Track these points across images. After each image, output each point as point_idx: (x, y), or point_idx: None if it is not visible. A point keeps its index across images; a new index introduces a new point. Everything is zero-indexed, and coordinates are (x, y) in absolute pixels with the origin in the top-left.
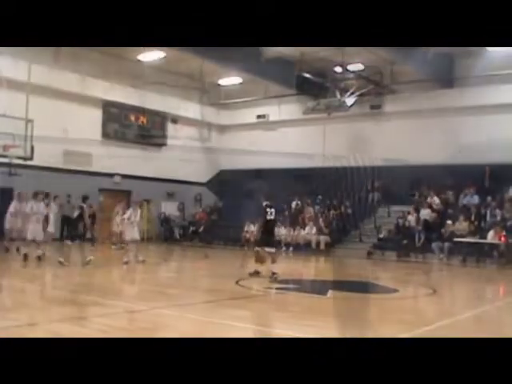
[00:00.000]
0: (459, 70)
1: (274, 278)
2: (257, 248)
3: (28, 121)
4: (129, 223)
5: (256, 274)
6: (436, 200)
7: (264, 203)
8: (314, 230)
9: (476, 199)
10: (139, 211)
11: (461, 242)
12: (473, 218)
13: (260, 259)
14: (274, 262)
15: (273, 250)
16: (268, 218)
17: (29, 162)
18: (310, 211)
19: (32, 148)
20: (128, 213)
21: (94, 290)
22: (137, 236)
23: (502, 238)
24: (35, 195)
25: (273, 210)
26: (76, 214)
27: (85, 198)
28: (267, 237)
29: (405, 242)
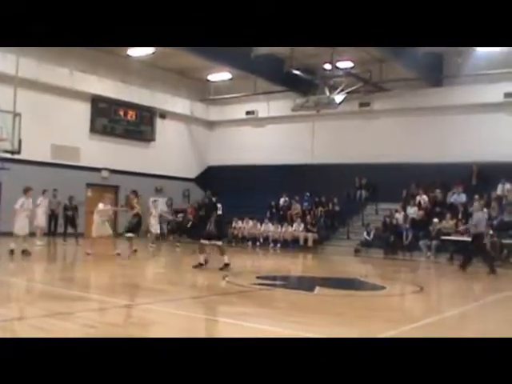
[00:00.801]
0: (448, 68)
1: (226, 269)
2: (203, 241)
3: (16, 114)
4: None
5: (200, 265)
6: (425, 198)
7: (213, 199)
8: (302, 226)
9: (463, 197)
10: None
11: (448, 240)
12: (460, 216)
13: (202, 251)
14: (222, 254)
15: (220, 242)
16: (218, 213)
17: (16, 156)
18: (297, 208)
19: (20, 142)
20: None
21: (79, 285)
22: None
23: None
24: (26, 191)
25: (220, 205)
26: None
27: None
28: (217, 230)
29: (392, 239)
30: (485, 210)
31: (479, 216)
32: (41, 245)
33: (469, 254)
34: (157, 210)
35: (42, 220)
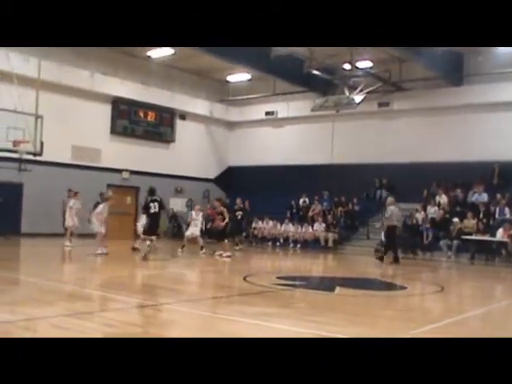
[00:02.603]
0: (468, 67)
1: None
2: (143, 236)
3: (38, 117)
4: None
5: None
6: (444, 198)
7: (149, 199)
8: (322, 226)
9: (485, 197)
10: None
11: (469, 240)
12: (481, 215)
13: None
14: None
15: (153, 237)
16: (152, 211)
17: (38, 158)
18: (318, 208)
19: (42, 144)
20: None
21: (102, 285)
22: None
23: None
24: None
25: (156, 203)
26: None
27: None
28: (151, 227)
29: (413, 239)
30: (506, 208)
31: (392, 210)
32: (70, 246)
33: (387, 246)
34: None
35: (73, 221)
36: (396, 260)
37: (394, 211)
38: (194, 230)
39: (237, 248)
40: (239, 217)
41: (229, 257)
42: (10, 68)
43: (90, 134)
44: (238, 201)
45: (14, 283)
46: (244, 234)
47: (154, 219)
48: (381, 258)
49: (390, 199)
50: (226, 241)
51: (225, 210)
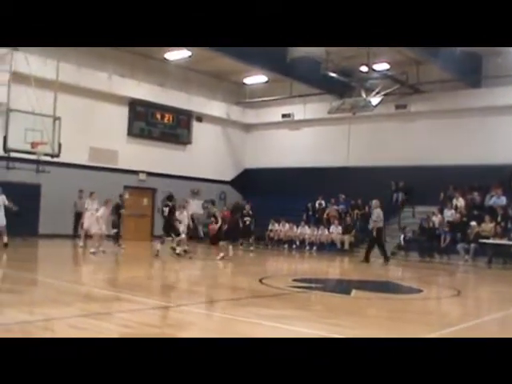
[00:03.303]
0: (487, 69)
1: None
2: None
3: (56, 118)
4: None
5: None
6: (461, 201)
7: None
8: (339, 229)
9: (503, 200)
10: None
11: (486, 244)
12: (499, 219)
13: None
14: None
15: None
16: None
17: (56, 159)
18: (334, 211)
19: (59, 145)
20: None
21: (119, 286)
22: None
23: None
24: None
25: (166, 208)
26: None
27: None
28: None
29: (429, 243)
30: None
31: (379, 212)
32: (82, 247)
33: (369, 245)
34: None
35: (89, 223)
36: (386, 259)
37: (380, 214)
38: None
39: (252, 248)
40: (247, 222)
41: (222, 258)
42: (29, 70)
43: (107, 135)
44: (247, 206)
45: (32, 284)
46: (252, 237)
47: (165, 221)
48: (366, 259)
49: (376, 202)
50: (220, 243)
51: (218, 212)
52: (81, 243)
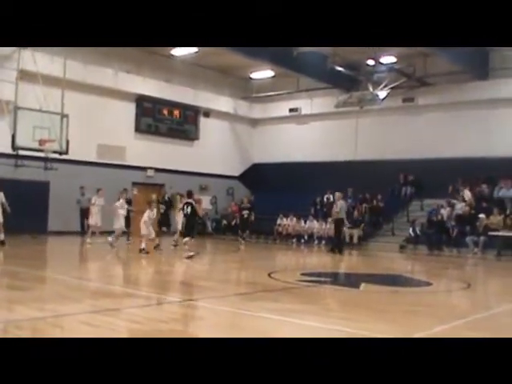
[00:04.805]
0: (494, 61)
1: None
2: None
3: (63, 116)
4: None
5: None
6: (468, 193)
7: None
8: (347, 223)
9: None
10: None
11: (495, 236)
12: (508, 211)
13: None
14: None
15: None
16: (184, 212)
17: (64, 156)
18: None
19: (67, 142)
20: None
21: (128, 282)
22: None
23: None
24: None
25: (188, 207)
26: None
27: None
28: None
29: (438, 235)
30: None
31: (342, 204)
32: (90, 243)
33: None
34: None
35: (96, 219)
36: (340, 251)
37: (342, 206)
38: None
39: (243, 242)
40: (245, 215)
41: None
42: (36, 68)
43: (114, 132)
44: (245, 199)
45: (41, 281)
46: (247, 232)
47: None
48: (333, 251)
49: (339, 194)
50: (186, 239)
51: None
52: (88, 239)
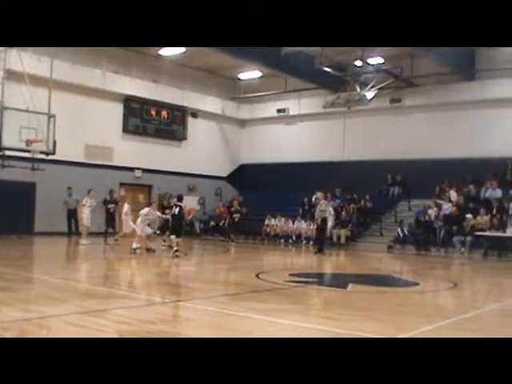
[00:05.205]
0: (480, 62)
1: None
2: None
3: (50, 116)
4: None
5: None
6: (453, 193)
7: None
8: (334, 223)
9: (499, 193)
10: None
11: (482, 236)
12: (494, 211)
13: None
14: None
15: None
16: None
17: (51, 157)
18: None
19: (54, 143)
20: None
21: (115, 282)
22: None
23: None
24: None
25: (177, 209)
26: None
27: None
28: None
29: (426, 236)
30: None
31: (325, 203)
32: (86, 244)
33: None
34: None
35: (88, 220)
36: (320, 250)
37: (327, 205)
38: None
39: (233, 244)
40: (236, 219)
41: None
42: (22, 68)
43: (102, 132)
44: (235, 202)
45: (28, 282)
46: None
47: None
48: (320, 251)
49: (320, 194)
50: (172, 237)
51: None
52: (83, 241)
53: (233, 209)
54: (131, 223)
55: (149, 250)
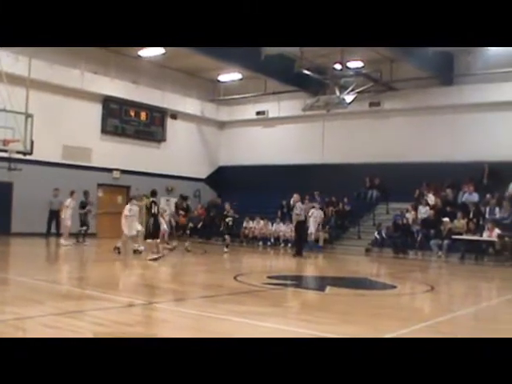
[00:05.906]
0: (459, 67)
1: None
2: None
3: (28, 116)
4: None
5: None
6: (431, 197)
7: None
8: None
9: (476, 197)
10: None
11: (459, 240)
12: (471, 215)
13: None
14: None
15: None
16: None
17: (28, 157)
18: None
19: (32, 143)
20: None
21: (92, 284)
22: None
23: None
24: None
25: (156, 206)
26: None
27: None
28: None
29: (403, 239)
30: (496, 208)
31: (302, 206)
32: (67, 244)
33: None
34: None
35: (69, 221)
36: (299, 254)
37: (302, 207)
38: None
39: (226, 250)
40: (230, 223)
41: (155, 259)
42: (0, 66)
43: (80, 133)
44: (227, 206)
45: (3, 283)
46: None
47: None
48: (299, 253)
49: (296, 196)
50: (148, 241)
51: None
52: (65, 242)
53: (225, 212)
54: (137, 224)
55: (135, 251)
